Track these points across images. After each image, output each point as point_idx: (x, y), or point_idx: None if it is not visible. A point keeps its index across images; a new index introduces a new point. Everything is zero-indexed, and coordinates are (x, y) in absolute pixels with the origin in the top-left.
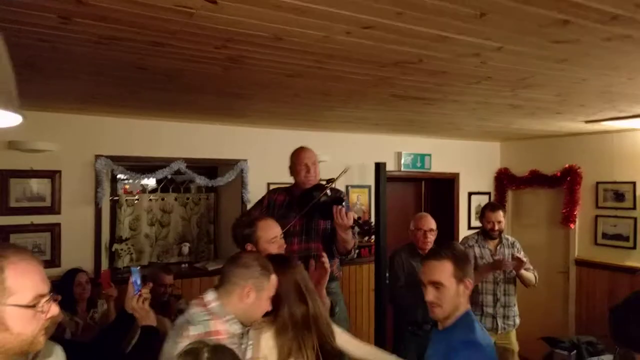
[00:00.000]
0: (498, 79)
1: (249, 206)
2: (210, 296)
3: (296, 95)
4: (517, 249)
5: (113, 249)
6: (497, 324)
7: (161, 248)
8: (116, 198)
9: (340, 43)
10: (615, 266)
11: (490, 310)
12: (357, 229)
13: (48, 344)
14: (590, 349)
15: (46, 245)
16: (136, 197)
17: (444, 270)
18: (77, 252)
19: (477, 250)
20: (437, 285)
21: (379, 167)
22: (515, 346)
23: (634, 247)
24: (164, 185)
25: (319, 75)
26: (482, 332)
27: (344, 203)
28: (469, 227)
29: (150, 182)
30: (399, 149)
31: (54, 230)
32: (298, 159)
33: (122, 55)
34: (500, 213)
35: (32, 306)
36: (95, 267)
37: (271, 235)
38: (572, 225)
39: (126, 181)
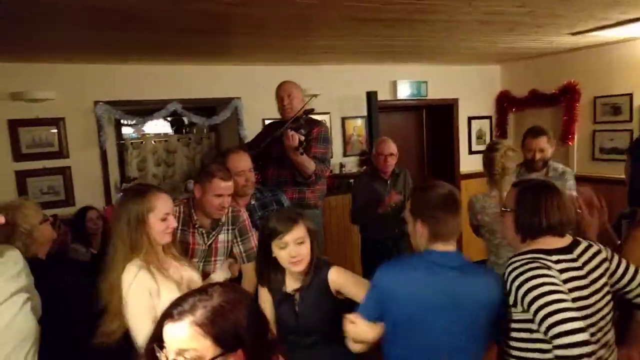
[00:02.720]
0: None
1: (245, 142)
2: None
3: (260, 27)
4: (566, 180)
5: (123, 188)
6: None
7: (169, 186)
8: (122, 142)
9: None
10: (612, 179)
11: None
12: (302, 150)
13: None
14: None
15: (60, 187)
16: (140, 140)
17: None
18: (89, 192)
19: None
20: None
21: (370, 96)
22: None
23: None
24: (176, 128)
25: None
26: None
27: (301, 130)
28: (470, 152)
29: (163, 127)
30: (394, 78)
31: (65, 173)
32: (276, 93)
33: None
34: (544, 139)
35: None
36: (107, 205)
37: (237, 169)
38: (570, 142)
39: (132, 125)
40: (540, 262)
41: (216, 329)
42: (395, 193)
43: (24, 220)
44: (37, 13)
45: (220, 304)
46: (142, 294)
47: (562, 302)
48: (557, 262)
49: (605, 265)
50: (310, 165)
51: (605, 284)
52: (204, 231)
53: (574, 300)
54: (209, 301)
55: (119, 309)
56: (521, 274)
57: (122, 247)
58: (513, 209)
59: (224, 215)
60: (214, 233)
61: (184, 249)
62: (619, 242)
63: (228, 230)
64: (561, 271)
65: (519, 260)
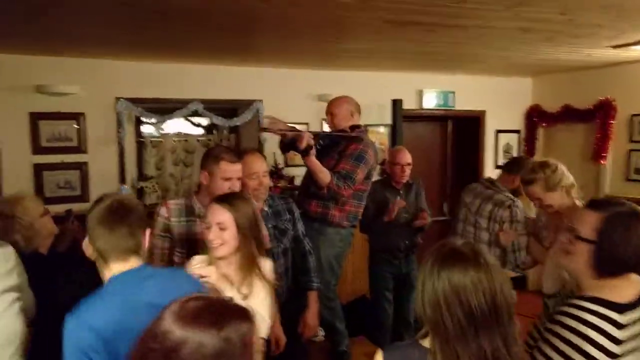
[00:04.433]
0: None
1: (265, 145)
2: None
3: (292, 28)
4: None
5: (139, 186)
6: None
7: (186, 186)
8: (141, 140)
9: None
10: None
11: None
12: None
13: None
14: None
15: (76, 182)
16: (160, 138)
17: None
18: (105, 188)
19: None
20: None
21: (396, 104)
22: None
23: None
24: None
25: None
26: None
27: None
28: (496, 166)
29: (184, 126)
30: (420, 87)
31: (82, 168)
32: None
33: None
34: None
35: None
36: None
37: (250, 170)
38: (602, 162)
39: (152, 123)
40: (596, 326)
41: None
42: (399, 199)
43: (23, 213)
44: (62, 7)
45: None
46: None
47: None
48: (627, 326)
49: None
50: (324, 176)
51: None
52: None
53: None
54: None
55: None
56: (560, 323)
57: None
58: (594, 240)
59: None
60: None
61: (192, 240)
62: None
63: None
64: (625, 341)
65: (575, 307)
